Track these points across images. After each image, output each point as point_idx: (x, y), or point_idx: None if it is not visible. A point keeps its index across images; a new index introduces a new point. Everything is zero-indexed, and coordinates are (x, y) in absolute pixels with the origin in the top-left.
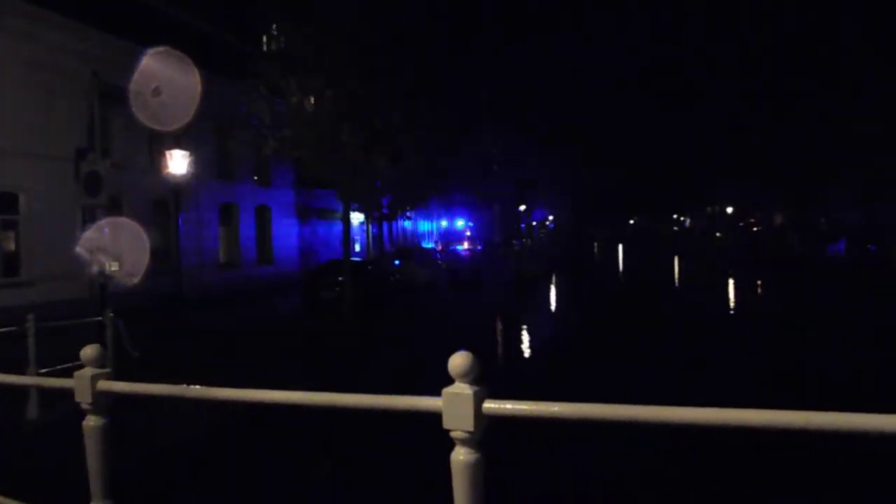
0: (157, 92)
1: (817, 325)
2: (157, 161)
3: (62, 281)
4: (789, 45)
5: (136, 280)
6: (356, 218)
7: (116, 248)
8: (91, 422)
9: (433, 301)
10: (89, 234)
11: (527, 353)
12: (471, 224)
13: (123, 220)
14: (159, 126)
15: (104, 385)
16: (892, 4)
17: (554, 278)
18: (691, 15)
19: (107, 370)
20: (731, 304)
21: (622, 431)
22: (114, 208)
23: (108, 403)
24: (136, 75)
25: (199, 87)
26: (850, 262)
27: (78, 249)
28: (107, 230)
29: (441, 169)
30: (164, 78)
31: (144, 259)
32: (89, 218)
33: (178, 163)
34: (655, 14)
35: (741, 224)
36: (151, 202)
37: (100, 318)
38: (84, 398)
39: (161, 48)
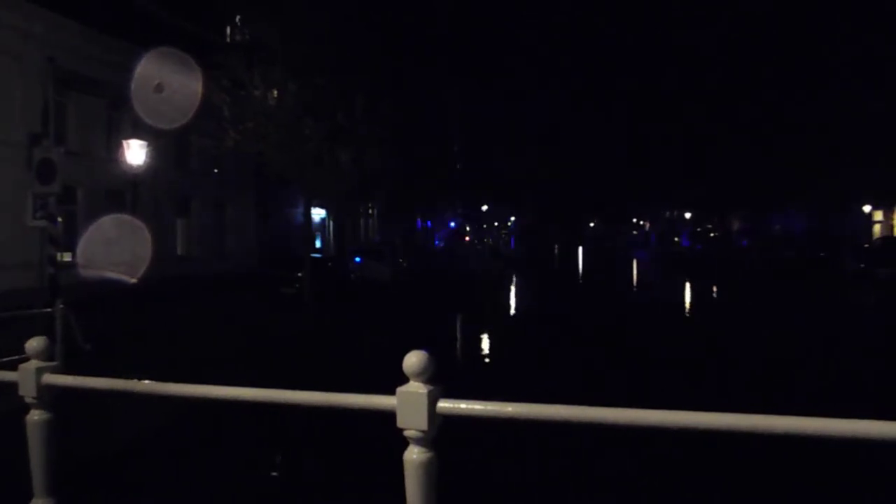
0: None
1: (764, 326)
2: (114, 150)
3: (12, 270)
4: (748, 56)
5: (133, 279)
6: (318, 213)
7: (119, 246)
8: (35, 416)
9: (393, 298)
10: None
11: (483, 351)
12: (455, 223)
13: (128, 217)
14: (159, 123)
15: (49, 379)
16: (847, 18)
17: (513, 278)
18: (655, 20)
19: (53, 363)
20: (687, 307)
21: (580, 431)
22: (68, 198)
23: (53, 398)
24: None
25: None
26: (802, 268)
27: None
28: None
29: (405, 164)
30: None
31: (146, 257)
32: (41, 206)
33: (135, 153)
34: (618, 19)
35: (699, 229)
36: (108, 192)
37: (50, 309)
38: (28, 392)
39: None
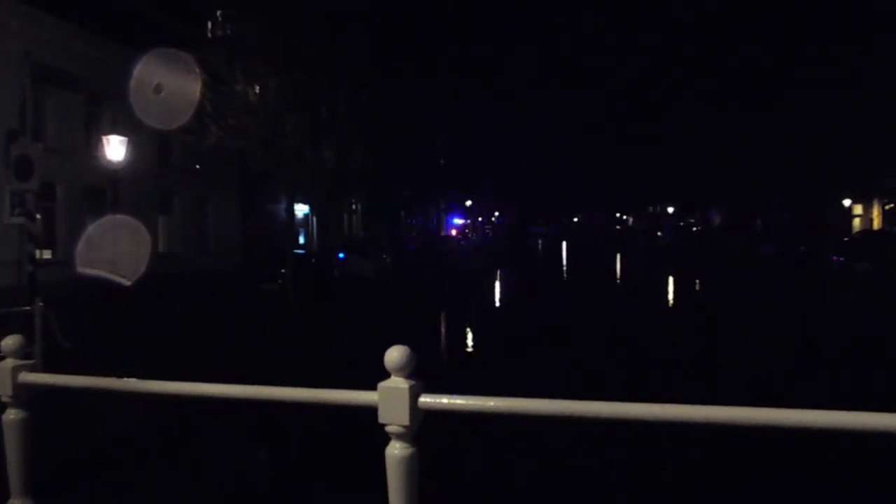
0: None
1: (742, 319)
2: (93, 146)
3: None
4: (731, 55)
5: (129, 282)
6: (302, 209)
7: (115, 246)
8: (11, 415)
9: (376, 294)
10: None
11: (468, 347)
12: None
13: (125, 217)
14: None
15: (26, 377)
16: (826, 19)
17: (497, 274)
18: (643, 19)
19: (30, 361)
20: (671, 300)
21: (564, 426)
22: (47, 195)
23: (30, 397)
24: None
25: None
26: (780, 262)
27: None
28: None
29: (388, 159)
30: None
31: (144, 258)
32: (19, 203)
33: (115, 149)
34: (608, 17)
35: (681, 224)
36: (87, 189)
37: (28, 307)
38: (4, 391)
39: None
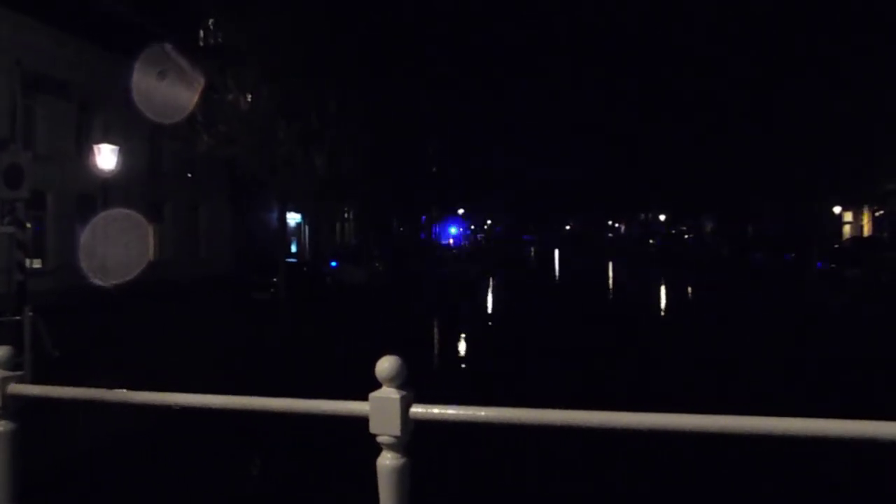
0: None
1: (733, 326)
2: (84, 154)
3: None
4: (721, 60)
5: (113, 282)
6: (294, 217)
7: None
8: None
9: (368, 302)
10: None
11: (459, 356)
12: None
13: (124, 212)
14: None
15: (15, 388)
16: (815, 21)
17: (490, 282)
18: (635, 24)
19: (18, 372)
20: (662, 307)
21: (559, 436)
22: (37, 203)
23: (19, 407)
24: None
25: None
26: (771, 268)
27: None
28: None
29: (379, 165)
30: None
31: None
32: (9, 211)
33: (106, 157)
34: (598, 21)
35: (673, 231)
36: (78, 197)
37: (17, 316)
38: None
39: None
